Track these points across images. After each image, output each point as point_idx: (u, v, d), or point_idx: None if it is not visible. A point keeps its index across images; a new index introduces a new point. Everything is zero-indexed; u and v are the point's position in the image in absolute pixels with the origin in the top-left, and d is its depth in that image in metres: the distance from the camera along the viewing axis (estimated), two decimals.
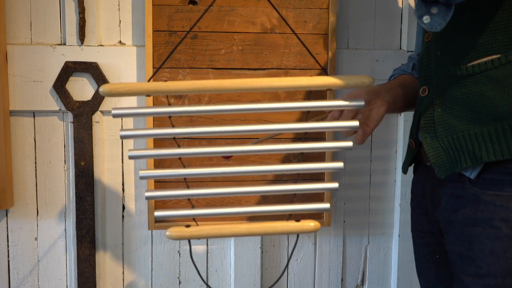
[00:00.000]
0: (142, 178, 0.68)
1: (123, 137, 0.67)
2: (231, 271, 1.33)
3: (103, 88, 0.63)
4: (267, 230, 0.69)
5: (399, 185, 1.34)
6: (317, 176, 1.28)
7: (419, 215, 0.93)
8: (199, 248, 1.32)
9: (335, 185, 0.69)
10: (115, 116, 0.65)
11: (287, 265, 1.37)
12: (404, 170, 0.95)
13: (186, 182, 0.70)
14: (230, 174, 0.68)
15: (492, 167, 0.75)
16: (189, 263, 1.32)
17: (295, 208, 0.69)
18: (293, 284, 1.37)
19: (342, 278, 1.39)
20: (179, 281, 1.33)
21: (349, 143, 0.64)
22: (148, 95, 0.66)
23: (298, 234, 0.70)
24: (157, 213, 0.69)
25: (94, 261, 1.26)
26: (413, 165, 0.94)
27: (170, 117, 0.69)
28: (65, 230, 1.28)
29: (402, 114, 1.33)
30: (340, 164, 0.66)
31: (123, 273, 1.32)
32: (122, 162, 1.28)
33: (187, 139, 1.23)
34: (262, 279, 1.35)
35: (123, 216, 1.30)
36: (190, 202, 0.73)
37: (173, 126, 0.67)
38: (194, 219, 0.70)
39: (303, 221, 0.69)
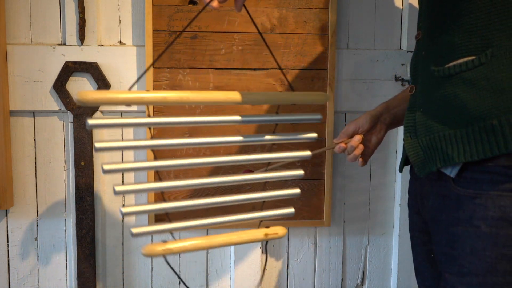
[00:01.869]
0: (117, 193, 0.70)
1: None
2: (231, 271, 1.33)
3: (78, 96, 0.62)
4: (241, 239, 0.74)
5: (399, 185, 1.34)
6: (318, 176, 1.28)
7: (414, 215, 0.94)
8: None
9: (296, 191, 0.74)
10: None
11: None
12: (400, 169, 0.97)
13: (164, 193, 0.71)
14: (205, 185, 0.72)
15: (471, 166, 0.75)
16: (189, 263, 1.32)
17: (262, 215, 0.73)
18: (293, 284, 1.37)
19: (342, 278, 1.39)
20: (179, 281, 1.33)
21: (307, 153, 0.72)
22: (128, 105, 0.66)
23: (266, 241, 0.73)
24: (135, 230, 0.70)
25: (94, 261, 1.26)
26: (410, 165, 0.95)
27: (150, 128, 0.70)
28: (65, 230, 1.28)
29: None
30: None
31: (123, 273, 1.32)
32: (122, 162, 1.28)
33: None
34: (262, 279, 1.35)
35: (123, 216, 1.29)
36: (168, 216, 0.73)
37: (155, 158, 0.72)
38: (171, 233, 0.72)
39: (272, 227, 0.73)
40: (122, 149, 0.71)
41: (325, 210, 1.30)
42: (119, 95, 0.64)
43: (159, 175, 0.90)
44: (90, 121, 0.65)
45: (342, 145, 0.98)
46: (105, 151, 0.70)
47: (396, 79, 1.31)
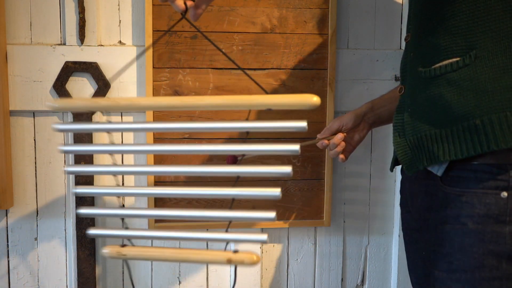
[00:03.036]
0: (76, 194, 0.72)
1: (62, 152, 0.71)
2: (231, 271, 1.33)
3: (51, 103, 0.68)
4: (199, 257, 0.70)
5: (399, 185, 1.34)
6: (317, 176, 1.28)
7: (405, 214, 0.96)
8: (199, 247, 1.32)
9: (271, 214, 0.68)
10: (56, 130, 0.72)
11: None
12: (390, 168, 0.99)
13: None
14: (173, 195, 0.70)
15: (457, 165, 0.77)
16: (189, 263, 1.32)
17: (231, 238, 0.69)
18: (293, 284, 1.37)
19: (342, 278, 1.39)
20: (179, 281, 1.33)
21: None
22: (93, 112, 0.68)
23: (235, 265, 0.69)
24: (91, 231, 0.74)
25: (94, 261, 1.26)
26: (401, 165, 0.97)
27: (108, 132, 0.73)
28: (65, 230, 1.28)
29: None
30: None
31: (123, 273, 1.32)
32: (122, 162, 1.28)
33: (187, 138, 1.23)
34: (262, 279, 1.35)
35: None
36: (123, 222, 0.77)
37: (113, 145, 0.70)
38: (130, 240, 0.75)
39: (241, 252, 0.68)
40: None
41: (325, 210, 1.30)
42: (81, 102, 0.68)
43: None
44: (57, 126, 0.70)
45: (325, 141, 1.03)
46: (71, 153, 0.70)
47: (396, 79, 1.32)
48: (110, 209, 0.73)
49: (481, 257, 0.75)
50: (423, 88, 0.80)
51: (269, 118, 1.26)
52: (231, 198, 0.66)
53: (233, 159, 0.98)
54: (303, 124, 0.64)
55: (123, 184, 1.29)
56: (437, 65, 0.78)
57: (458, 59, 0.75)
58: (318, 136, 1.06)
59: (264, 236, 0.66)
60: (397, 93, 1.00)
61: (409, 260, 0.97)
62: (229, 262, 0.67)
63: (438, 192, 0.81)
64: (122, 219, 0.74)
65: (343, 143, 1.02)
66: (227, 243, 0.70)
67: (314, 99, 0.63)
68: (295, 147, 0.64)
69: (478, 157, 0.75)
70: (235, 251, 0.67)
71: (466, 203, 0.76)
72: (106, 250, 0.73)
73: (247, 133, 0.68)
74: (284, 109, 0.64)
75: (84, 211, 0.73)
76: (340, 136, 1.01)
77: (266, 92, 0.72)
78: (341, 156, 1.03)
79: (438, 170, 0.80)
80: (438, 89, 0.77)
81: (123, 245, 0.74)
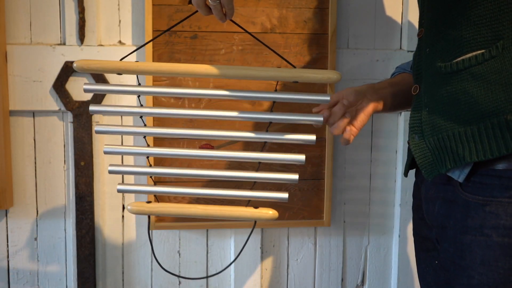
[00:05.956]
0: (106, 152, 0.81)
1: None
2: (231, 271, 1.33)
3: (76, 64, 0.76)
4: (224, 213, 0.76)
5: (399, 186, 1.34)
6: (317, 175, 1.28)
7: (418, 220, 0.91)
8: (199, 247, 1.32)
9: (295, 176, 0.76)
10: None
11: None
12: (405, 173, 0.93)
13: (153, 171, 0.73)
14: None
15: (480, 170, 0.72)
16: (189, 263, 1.32)
17: (254, 195, 0.76)
18: (293, 284, 1.37)
19: (342, 279, 1.39)
20: (179, 281, 1.33)
21: (312, 137, 0.77)
22: (119, 74, 0.76)
23: (255, 220, 0.76)
24: (120, 187, 0.80)
25: (94, 261, 1.26)
26: (415, 168, 0.93)
27: (141, 116, 0.82)
28: (65, 230, 1.28)
29: (402, 114, 1.32)
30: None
31: (123, 273, 1.32)
32: (122, 162, 1.28)
33: (187, 139, 1.23)
34: (262, 279, 1.34)
35: (123, 216, 1.30)
36: (152, 179, 0.87)
37: (144, 125, 0.83)
38: (155, 196, 0.82)
39: (261, 208, 0.75)
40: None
41: (325, 210, 1.30)
42: (113, 64, 0.76)
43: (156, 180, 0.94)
44: (86, 86, 0.79)
45: (325, 111, 0.83)
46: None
47: None
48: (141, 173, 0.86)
49: (507, 273, 0.69)
50: (444, 84, 0.75)
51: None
52: (258, 162, 0.77)
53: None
54: (326, 97, 0.76)
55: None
56: (459, 58, 0.72)
57: (483, 51, 0.70)
58: (314, 109, 0.87)
59: (285, 195, 0.72)
60: (396, 80, 0.94)
61: (420, 267, 0.92)
62: (250, 216, 0.76)
63: (458, 199, 0.75)
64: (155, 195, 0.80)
65: (347, 116, 0.83)
66: (248, 201, 0.76)
67: (335, 76, 0.76)
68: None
69: (503, 161, 0.69)
70: (256, 207, 0.73)
71: (490, 213, 0.70)
72: (130, 207, 0.79)
73: (270, 123, 0.78)
74: (309, 82, 0.76)
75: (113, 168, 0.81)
76: (344, 101, 0.83)
77: (294, 66, 0.80)
78: (346, 135, 0.83)
79: (459, 176, 0.74)
80: (461, 84, 0.72)
81: (148, 202, 0.79)
